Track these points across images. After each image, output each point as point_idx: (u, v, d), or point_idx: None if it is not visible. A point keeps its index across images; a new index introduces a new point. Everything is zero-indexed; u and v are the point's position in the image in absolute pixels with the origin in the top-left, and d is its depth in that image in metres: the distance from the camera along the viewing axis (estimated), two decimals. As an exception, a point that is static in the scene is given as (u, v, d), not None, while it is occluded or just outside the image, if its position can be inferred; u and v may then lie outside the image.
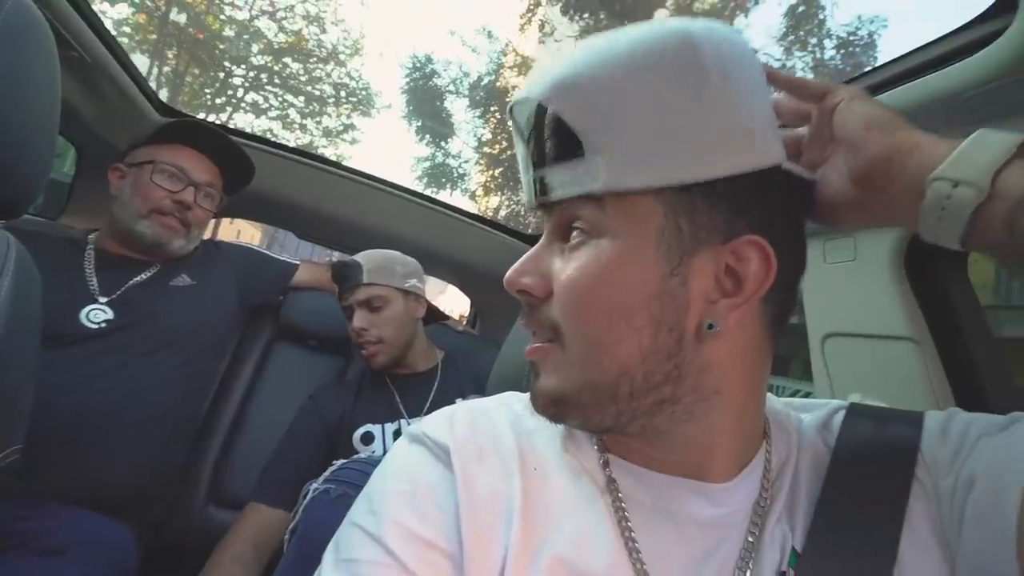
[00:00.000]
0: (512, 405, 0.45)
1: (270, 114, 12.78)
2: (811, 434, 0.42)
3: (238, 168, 1.18)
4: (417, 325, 1.29)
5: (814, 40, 9.38)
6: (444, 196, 11.88)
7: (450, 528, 0.36)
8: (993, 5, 0.50)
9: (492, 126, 11.51)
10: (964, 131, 0.34)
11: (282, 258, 1.45)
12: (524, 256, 0.39)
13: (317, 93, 13.11)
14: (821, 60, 9.22)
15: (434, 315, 1.56)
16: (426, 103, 11.09)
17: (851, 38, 9.14)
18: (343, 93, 13.24)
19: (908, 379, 0.72)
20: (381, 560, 0.35)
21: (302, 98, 13.01)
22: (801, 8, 9.45)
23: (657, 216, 0.34)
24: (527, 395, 0.46)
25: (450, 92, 11.27)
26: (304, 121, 13.15)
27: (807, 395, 0.74)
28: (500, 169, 11.24)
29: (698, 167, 0.34)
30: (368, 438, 1.15)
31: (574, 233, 0.37)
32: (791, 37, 9.51)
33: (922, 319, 0.72)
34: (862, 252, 0.77)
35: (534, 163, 0.39)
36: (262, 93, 12.66)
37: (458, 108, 18.58)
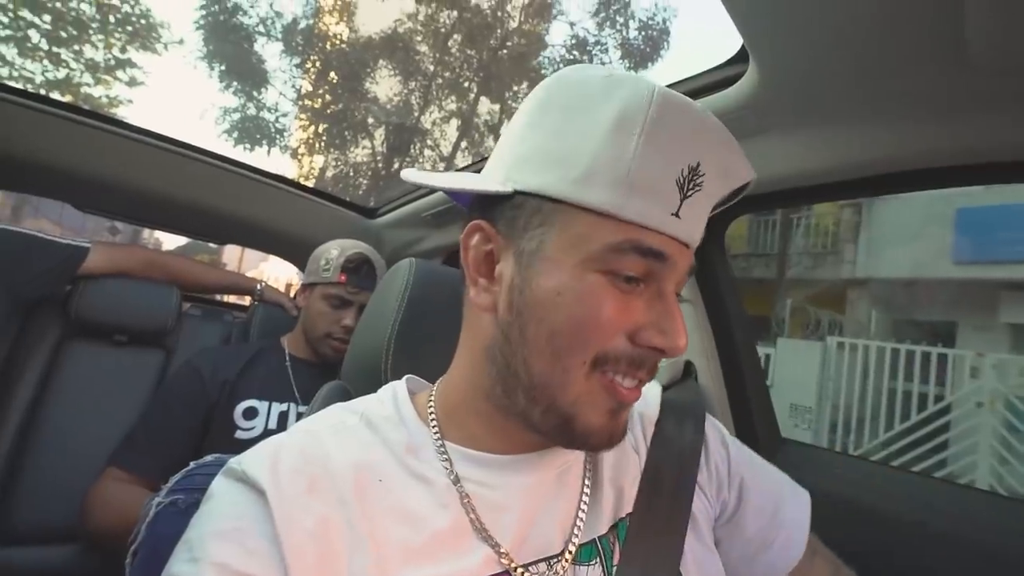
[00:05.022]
0: (345, 420, 0.45)
1: (-4, 32, 9.73)
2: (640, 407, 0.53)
3: None
4: None
5: (621, 20, 10.34)
6: (261, 153, 10.53)
7: (279, 560, 0.36)
8: (737, 54, 0.66)
9: (313, 77, 10.43)
10: None
11: (65, 240, 1.20)
12: (682, 319, 0.41)
13: (72, 14, 10.33)
14: (626, 39, 10.26)
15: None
16: (230, 44, 9.50)
17: (650, 21, 10.31)
18: (113, 18, 10.65)
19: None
20: None
21: (48, 17, 10.13)
22: (611, -13, 10.30)
23: None
24: (361, 404, 0.47)
25: (260, 34, 9.83)
26: (56, 49, 10.31)
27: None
28: (325, 125, 10.34)
29: None
30: (251, 413, 1.07)
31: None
32: (603, 14, 10.33)
33: (695, 284, 0.93)
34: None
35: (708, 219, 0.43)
36: (-22, 4, 9.53)
37: (271, 53, 16.38)
